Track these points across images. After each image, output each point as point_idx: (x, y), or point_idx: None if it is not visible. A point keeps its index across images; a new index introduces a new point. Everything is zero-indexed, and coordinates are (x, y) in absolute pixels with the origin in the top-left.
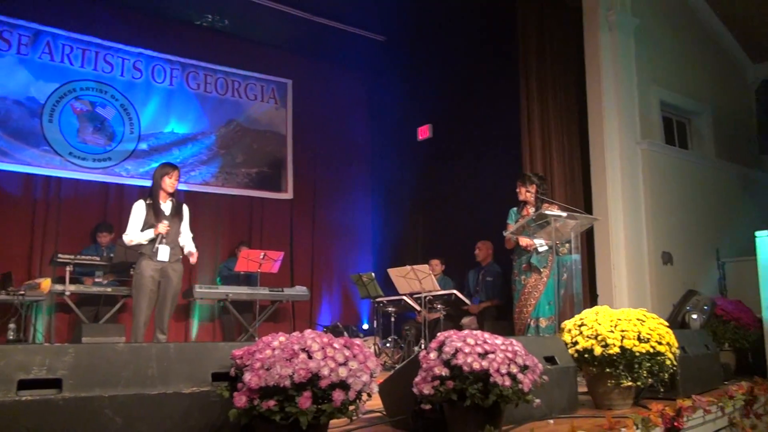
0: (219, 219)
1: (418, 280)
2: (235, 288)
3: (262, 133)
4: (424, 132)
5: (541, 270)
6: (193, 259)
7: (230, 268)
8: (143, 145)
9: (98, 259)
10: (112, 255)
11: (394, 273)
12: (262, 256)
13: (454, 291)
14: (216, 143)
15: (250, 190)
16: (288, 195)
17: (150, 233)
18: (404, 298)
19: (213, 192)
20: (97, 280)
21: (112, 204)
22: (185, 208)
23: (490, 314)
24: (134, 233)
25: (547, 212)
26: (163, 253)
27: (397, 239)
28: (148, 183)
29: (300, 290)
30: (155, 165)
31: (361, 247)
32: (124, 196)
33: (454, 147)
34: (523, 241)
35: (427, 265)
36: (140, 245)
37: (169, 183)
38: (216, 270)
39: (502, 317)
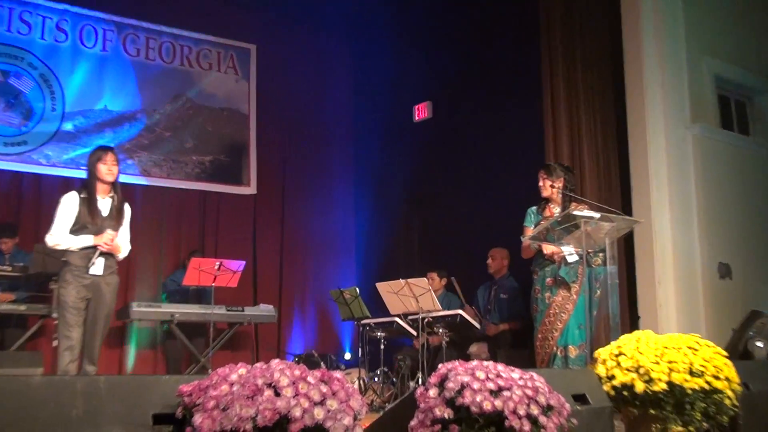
0: (163, 219)
1: (414, 297)
2: (182, 307)
3: (218, 111)
4: (422, 111)
5: (570, 285)
6: (113, 252)
7: (177, 282)
8: (68, 126)
9: (8, 269)
10: (23, 264)
11: (384, 288)
12: (217, 267)
13: (460, 311)
14: (160, 124)
15: (203, 183)
16: (250, 189)
17: (86, 240)
18: (397, 320)
19: (156, 185)
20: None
21: (27, 199)
22: (127, 208)
23: (505, 341)
24: (62, 235)
25: (575, 213)
26: (98, 266)
27: (387, 246)
28: (74, 173)
29: (265, 310)
30: (84, 151)
31: (342, 256)
32: (43, 189)
33: (459, 131)
34: (547, 248)
35: (425, 279)
36: (67, 251)
37: (105, 170)
38: (159, 284)
39: (520, 344)
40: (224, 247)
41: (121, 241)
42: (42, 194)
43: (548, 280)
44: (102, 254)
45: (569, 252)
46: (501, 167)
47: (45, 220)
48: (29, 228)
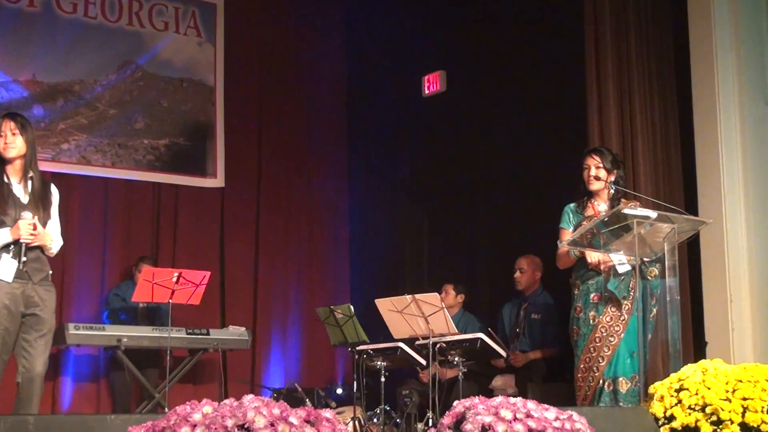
0: (106, 219)
1: (423, 316)
2: (131, 329)
3: (176, 83)
4: (433, 84)
5: (621, 303)
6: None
7: (124, 298)
8: None
9: None
10: None
11: (385, 306)
12: (175, 278)
13: (481, 335)
14: (103, 99)
15: (157, 174)
16: (217, 182)
17: (3, 235)
18: (401, 345)
19: (97, 176)
20: None
21: None
22: (54, 191)
23: (537, 371)
24: None
25: (627, 211)
26: (7, 267)
27: (389, 253)
28: None
29: (236, 333)
30: None
31: (332, 265)
32: None
33: (480, 108)
34: (592, 256)
35: (437, 294)
36: None
37: (1, 145)
38: (101, 300)
39: (555, 376)
40: (184, 254)
41: (50, 233)
42: None
43: (593, 295)
44: (23, 253)
45: (620, 261)
46: (532, 155)
47: None
48: None
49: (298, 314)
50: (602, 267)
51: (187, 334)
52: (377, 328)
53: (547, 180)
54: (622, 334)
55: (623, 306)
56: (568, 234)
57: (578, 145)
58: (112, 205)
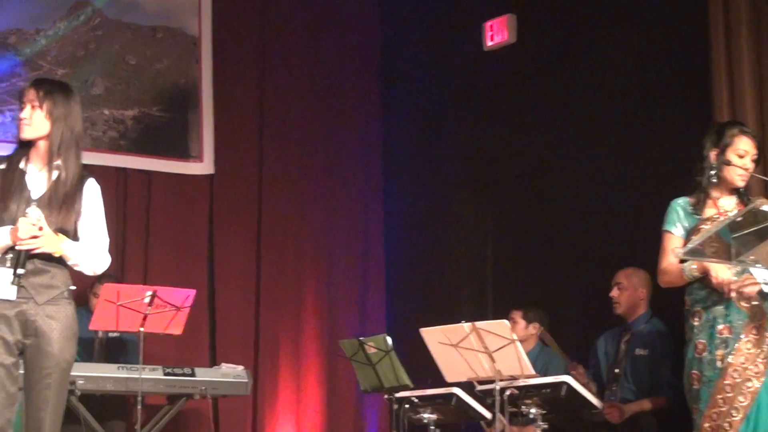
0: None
1: (486, 352)
2: (89, 368)
3: (146, 32)
4: (497, 32)
5: (764, 335)
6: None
7: (80, 327)
8: None
9: None
10: None
11: (434, 338)
12: (148, 299)
13: (566, 378)
14: (48, 54)
15: (122, 155)
16: (204, 167)
17: (1, 237)
18: (457, 392)
19: None
20: None
21: None
22: (92, 187)
23: (646, 427)
24: None
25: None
26: (6, 282)
27: (437, 266)
28: None
29: (231, 373)
30: None
31: (362, 282)
32: None
33: (560, 67)
34: (719, 274)
35: (505, 322)
36: None
37: (19, 123)
38: None
39: None
40: (160, 265)
41: (88, 242)
42: None
43: (721, 327)
44: (29, 259)
45: (764, 279)
46: (633, 131)
47: None
48: None
49: (315, 348)
50: (730, 293)
51: (165, 374)
52: (423, 368)
53: (655, 167)
54: (763, 378)
55: (764, 342)
56: (676, 240)
57: (698, 120)
58: None
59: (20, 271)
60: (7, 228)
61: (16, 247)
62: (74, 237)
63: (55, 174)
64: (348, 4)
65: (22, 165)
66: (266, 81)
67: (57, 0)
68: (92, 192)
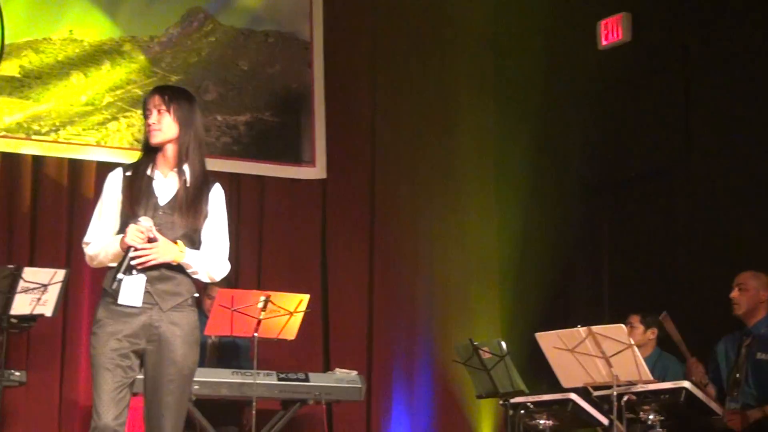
0: None
1: (603, 357)
2: (204, 373)
3: (259, 37)
4: (613, 30)
5: None
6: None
7: None
8: (11, 67)
9: None
10: None
11: (549, 342)
12: (262, 304)
13: (685, 384)
14: (162, 61)
15: (235, 161)
16: (316, 171)
17: (115, 242)
18: (573, 398)
19: None
20: None
21: None
22: (217, 193)
23: None
24: (96, 241)
25: None
26: (133, 290)
27: (552, 269)
28: (26, 146)
29: (344, 379)
30: (40, 108)
31: (475, 286)
32: None
33: (679, 66)
34: None
35: (622, 327)
36: (108, 270)
37: (147, 129)
38: None
39: None
40: (273, 271)
41: (209, 249)
42: None
43: None
44: (145, 269)
45: None
46: (760, 130)
47: None
48: None
49: (429, 353)
50: None
51: (279, 380)
52: (539, 374)
53: None
54: None
55: None
56: None
57: None
58: None
59: (120, 276)
60: (119, 236)
61: (129, 254)
62: (199, 242)
63: (181, 179)
64: (460, 5)
65: (148, 171)
66: (378, 84)
67: (170, 7)
68: (218, 197)
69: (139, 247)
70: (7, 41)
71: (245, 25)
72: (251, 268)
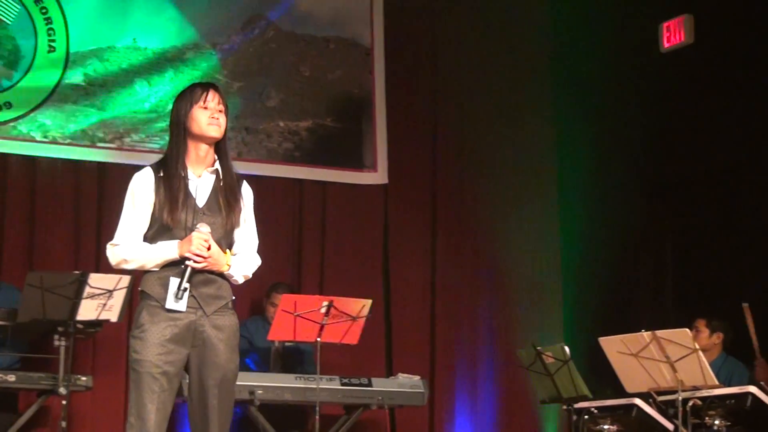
0: None
1: (668, 362)
2: (267, 378)
3: (320, 43)
4: (675, 33)
5: None
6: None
7: (252, 340)
8: (75, 76)
9: None
10: (8, 308)
11: (613, 347)
12: (324, 309)
13: (752, 389)
14: (224, 68)
15: (297, 166)
16: (378, 176)
17: (165, 251)
18: (637, 403)
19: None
20: None
21: (15, 199)
22: (247, 192)
23: None
24: (130, 244)
25: None
26: (176, 296)
27: (615, 273)
28: (89, 154)
29: (407, 383)
30: (101, 117)
31: (538, 291)
32: (40, 182)
33: (742, 67)
34: None
35: (686, 331)
36: (144, 274)
37: (205, 120)
38: None
39: None
40: (335, 276)
41: (241, 249)
42: (37, 189)
43: None
44: (194, 274)
45: None
46: None
47: (43, 232)
48: (18, 246)
49: (492, 358)
50: None
51: (342, 384)
52: (602, 378)
53: None
54: None
55: None
56: None
57: None
58: None
59: (186, 285)
60: (175, 242)
61: (187, 263)
62: (233, 241)
63: (209, 178)
64: (519, 9)
65: (181, 171)
66: (439, 89)
67: (232, 15)
68: (249, 194)
69: (205, 255)
70: (71, 50)
71: (306, 32)
72: (314, 273)
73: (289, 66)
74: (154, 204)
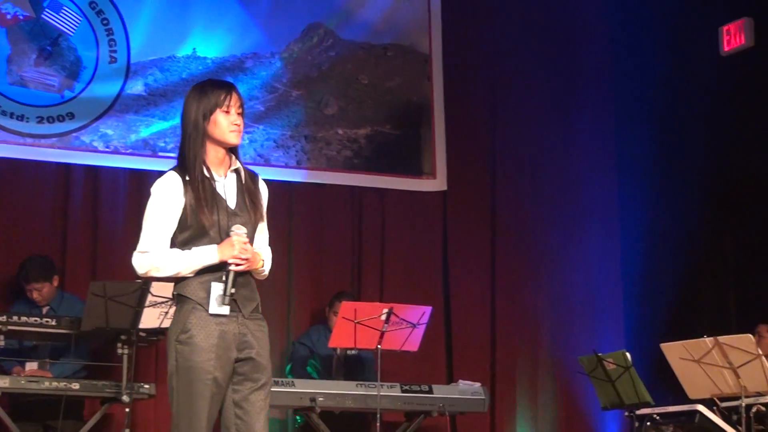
0: (290, 236)
1: (731, 368)
2: (329, 385)
3: (378, 51)
4: (735, 36)
5: None
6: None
7: (314, 348)
8: (137, 86)
9: (48, 323)
10: (71, 316)
11: (675, 353)
12: (384, 316)
13: None
14: (283, 77)
15: (357, 174)
16: (437, 183)
17: (205, 255)
18: (700, 409)
19: (278, 179)
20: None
21: (76, 207)
22: (264, 189)
23: None
24: (161, 251)
25: None
26: (219, 299)
27: (677, 278)
28: (150, 163)
29: (468, 390)
30: (162, 126)
31: (598, 297)
32: (101, 191)
33: None
34: None
35: (750, 337)
36: (178, 279)
37: (226, 124)
38: (286, 349)
39: None
40: (395, 283)
41: (261, 244)
42: (100, 199)
43: None
44: (236, 280)
45: None
46: None
47: (106, 241)
48: (82, 255)
49: (552, 364)
50: None
51: (403, 391)
52: (664, 384)
53: None
54: None
55: None
56: None
57: None
58: (298, 220)
59: (232, 290)
60: (213, 247)
61: (230, 267)
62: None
63: (231, 178)
64: (578, 15)
65: (206, 173)
66: (497, 96)
67: (291, 23)
68: (265, 191)
69: (248, 257)
70: (132, 60)
71: (365, 39)
72: (373, 280)
73: (347, 74)
74: (184, 208)
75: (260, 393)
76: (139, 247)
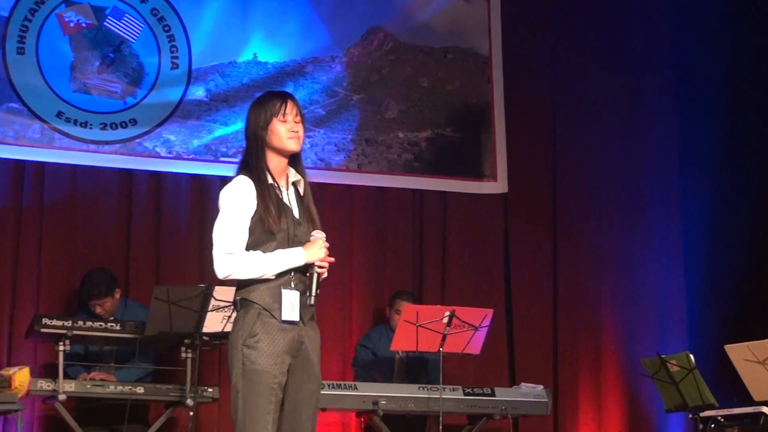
0: (350, 239)
1: None
2: (391, 388)
3: (438, 54)
4: None
5: None
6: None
7: (375, 351)
8: (198, 91)
9: (113, 328)
10: (135, 321)
11: (739, 355)
12: (446, 319)
13: None
14: (344, 81)
15: (417, 177)
16: (498, 186)
17: (291, 258)
18: (765, 411)
19: (338, 183)
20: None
21: (139, 215)
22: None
23: None
24: (246, 254)
25: None
26: (294, 305)
27: (740, 279)
28: (212, 169)
29: (530, 393)
30: (224, 131)
31: (661, 298)
32: (164, 198)
33: None
34: None
35: None
36: (250, 284)
37: (285, 132)
38: (345, 352)
39: None
40: (456, 286)
41: None
42: (162, 204)
43: None
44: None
45: None
46: None
47: (169, 247)
48: (145, 261)
49: (616, 367)
50: None
51: (465, 394)
52: (729, 386)
53: None
54: None
55: None
56: None
57: None
58: (359, 222)
59: (318, 291)
60: (300, 249)
61: (317, 270)
62: None
63: (297, 188)
64: (641, 17)
65: (271, 181)
66: (558, 98)
67: (351, 27)
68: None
69: (328, 261)
70: (194, 66)
71: (424, 43)
72: (435, 283)
73: (407, 77)
74: (256, 212)
75: (312, 398)
76: (223, 249)
